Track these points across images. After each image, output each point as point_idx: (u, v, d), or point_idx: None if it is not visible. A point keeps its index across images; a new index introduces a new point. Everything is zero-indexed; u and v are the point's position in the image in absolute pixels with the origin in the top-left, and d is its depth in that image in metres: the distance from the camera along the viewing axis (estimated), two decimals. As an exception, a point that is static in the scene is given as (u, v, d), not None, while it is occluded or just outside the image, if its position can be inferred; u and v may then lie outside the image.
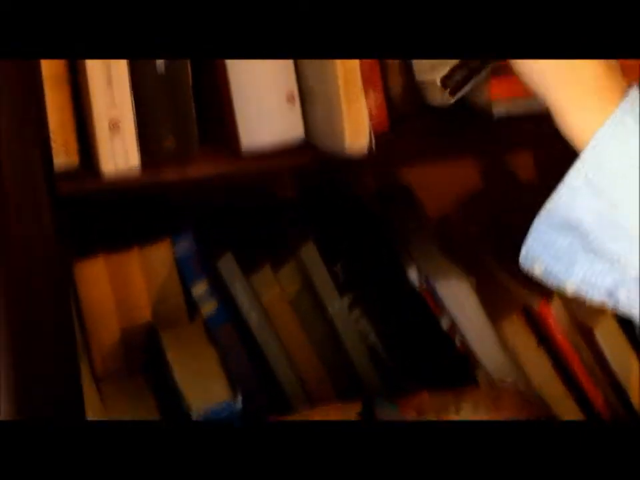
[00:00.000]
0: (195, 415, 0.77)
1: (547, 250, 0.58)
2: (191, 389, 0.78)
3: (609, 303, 0.58)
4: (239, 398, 0.76)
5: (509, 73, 0.80)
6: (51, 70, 0.67)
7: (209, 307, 0.89)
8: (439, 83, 0.79)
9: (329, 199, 0.93)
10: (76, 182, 0.69)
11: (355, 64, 0.71)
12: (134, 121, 0.68)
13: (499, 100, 0.81)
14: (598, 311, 0.95)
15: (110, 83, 0.67)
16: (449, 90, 0.78)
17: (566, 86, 0.60)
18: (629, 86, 0.59)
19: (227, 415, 0.77)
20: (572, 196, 0.56)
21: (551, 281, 0.59)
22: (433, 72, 0.79)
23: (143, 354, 0.87)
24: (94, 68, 0.66)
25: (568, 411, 0.90)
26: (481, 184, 1.01)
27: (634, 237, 0.55)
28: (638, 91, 0.58)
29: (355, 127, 0.72)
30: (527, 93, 0.81)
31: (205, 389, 0.78)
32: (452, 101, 0.79)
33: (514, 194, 1.02)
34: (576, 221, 0.57)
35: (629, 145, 0.56)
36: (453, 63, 0.79)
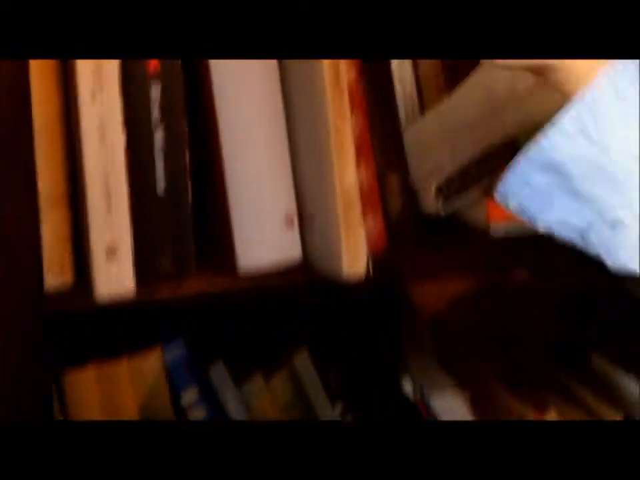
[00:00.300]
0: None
1: (524, 187, 0.59)
2: None
3: (579, 243, 0.59)
4: None
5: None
6: (50, 190, 0.67)
7: (198, 415, 0.88)
8: (434, 192, 0.79)
9: (322, 304, 0.92)
10: (68, 301, 0.68)
11: (354, 189, 0.71)
12: (131, 244, 0.67)
13: (497, 222, 0.81)
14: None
15: (109, 209, 0.66)
16: (442, 199, 0.78)
17: None
18: None
19: None
20: (562, 139, 0.58)
21: (524, 217, 0.60)
22: (428, 180, 0.80)
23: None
24: (94, 191, 0.66)
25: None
26: (477, 292, 1.00)
27: (618, 182, 0.57)
28: None
29: (353, 253, 0.71)
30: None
31: None
32: (446, 210, 0.79)
33: (510, 303, 1.02)
34: (559, 162, 0.58)
35: (625, 93, 0.57)
36: (449, 171, 0.79)
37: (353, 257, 0.71)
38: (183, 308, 0.85)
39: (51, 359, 0.70)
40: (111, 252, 0.66)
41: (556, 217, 0.60)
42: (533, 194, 0.60)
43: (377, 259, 0.73)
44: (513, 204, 0.60)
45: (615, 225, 0.58)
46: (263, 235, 0.72)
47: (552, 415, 0.93)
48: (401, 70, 0.83)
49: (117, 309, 0.73)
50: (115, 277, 0.67)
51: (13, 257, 0.64)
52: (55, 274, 0.66)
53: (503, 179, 0.60)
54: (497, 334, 0.99)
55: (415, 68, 0.87)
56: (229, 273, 0.73)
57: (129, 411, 0.86)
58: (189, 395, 0.88)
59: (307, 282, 0.75)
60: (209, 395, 0.88)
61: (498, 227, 0.81)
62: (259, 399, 0.89)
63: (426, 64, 0.89)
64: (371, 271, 0.72)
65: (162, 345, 0.87)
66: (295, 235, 0.74)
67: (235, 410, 0.88)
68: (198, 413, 0.88)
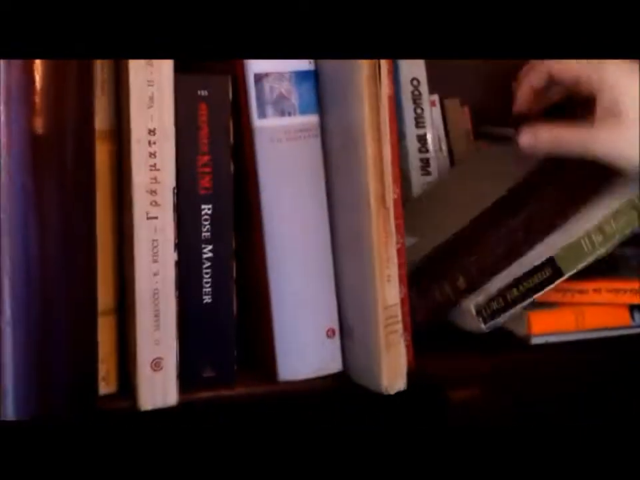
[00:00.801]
0: None
1: None
2: None
3: None
4: None
5: (547, 307, 0.82)
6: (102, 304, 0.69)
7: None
8: (473, 311, 0.80)
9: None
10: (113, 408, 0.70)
11: (396, 307, 0.73)
12: (176, 358, 0.70)
13: (538, 333, 0.82)
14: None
15: (158, 326, 0.68)
16: (482, 319, 0.80)
17: None
18: None
19: None
20: None
21: None
22: (468, 299, 0.81)
23: None
24: (144, 308, 0.68)
25: None
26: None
27: None
28: None
29: (393, 369, 0.72)
30: (566, 326, 0.82)
31: None
32: (484, 330, 0.80)
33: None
34: None
35: None
36: (489, 292, 0.80)
37: (393, 373, 0.72)
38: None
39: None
40: (157, 366, 0.69)
41: None
42: None
43: (413, 372, 0.75)
44: None
45: None
46: (304, 346, 0.74)
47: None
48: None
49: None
50: (159, 390, 0.69)
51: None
52: (101, 383, 0.69)
53: None
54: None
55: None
56: (269, 382, 0.74)
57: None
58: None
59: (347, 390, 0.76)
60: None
61: (539, 336, 0.82)
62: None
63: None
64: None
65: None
66: (335, 347, 0.75)
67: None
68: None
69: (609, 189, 0.81)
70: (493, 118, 1.03)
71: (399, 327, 0.72)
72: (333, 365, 0.75)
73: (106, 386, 0.69)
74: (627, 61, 0.69)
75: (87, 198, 0.66)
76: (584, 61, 0.69)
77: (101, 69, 0.69)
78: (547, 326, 0.82)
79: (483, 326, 0.79)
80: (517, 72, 0.84)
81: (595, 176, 0.80)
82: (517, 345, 0.84)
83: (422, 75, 1.01)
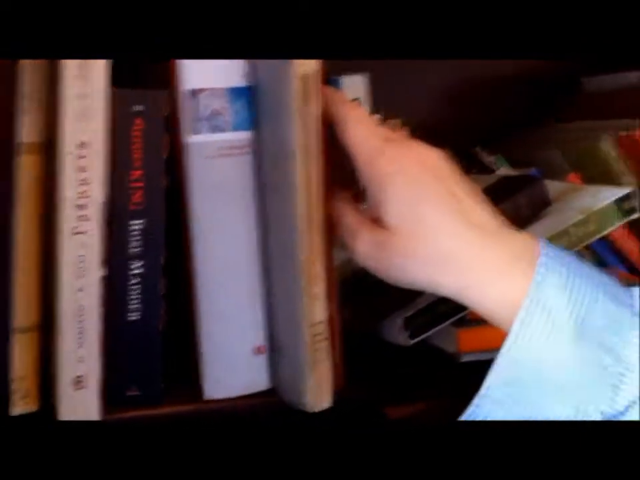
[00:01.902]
0: None
1: None
2: None
3: None
4: None
5: (477, 324, 0.83)
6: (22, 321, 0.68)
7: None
8: (401, 325, 0.80)
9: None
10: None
11: (323, 325, 0.73)
12: (100, 376, 0.69)
13: (468, 351, 0.83)
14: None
15: (82, 344, 0.68)
16: (409, 332, 0.80)
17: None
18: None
19: None
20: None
21: None
22: (397, 313, 0.81)
23: None
24: (67, 325, 0.67)
25: None
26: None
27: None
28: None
29: (318, 386, 0.72)
30: (497, 343, 0.83)
31: None
32: (410, 343, 0.80)
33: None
34: None
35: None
36: (418, 305, 0.80)
37: (318, 392, 0.72)
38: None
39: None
40: (78, 382, 0.68)
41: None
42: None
43: (340, 391, 0.75)
44: None
45: None
46: (232, 364, 0.74)
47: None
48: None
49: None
50: (80, 405, 0.68)
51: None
52: (20, 402, 0.68)
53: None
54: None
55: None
56: (196, 400, 0.74)
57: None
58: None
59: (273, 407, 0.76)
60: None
61: (469, 354, 0.83)
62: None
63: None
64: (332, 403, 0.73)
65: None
66: (263, 365, 0.75)
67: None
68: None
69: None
70: (439, 138, 1.04)
71: (325, 344, 0.72)
72: (261, 382, 0.75)
73: (26, 404, 0.68)
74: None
75: (5, 212, 0.65)
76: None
77: (30, 80, 0.68)
78: (477, 343, 0.82)
79: (409, 340, 0.79)
80: (465, 92, 0.83)
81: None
82: (447, 362, 0.84)
83: (363, 94, 1.01)
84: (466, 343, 0.82)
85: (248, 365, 0.74)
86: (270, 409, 0.78)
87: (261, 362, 0.75)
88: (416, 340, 0.80)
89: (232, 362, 0.74)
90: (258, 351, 0.75)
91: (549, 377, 0.58)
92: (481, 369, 0.83)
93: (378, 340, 0.85)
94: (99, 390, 0.69)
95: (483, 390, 0.60)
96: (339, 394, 0.75)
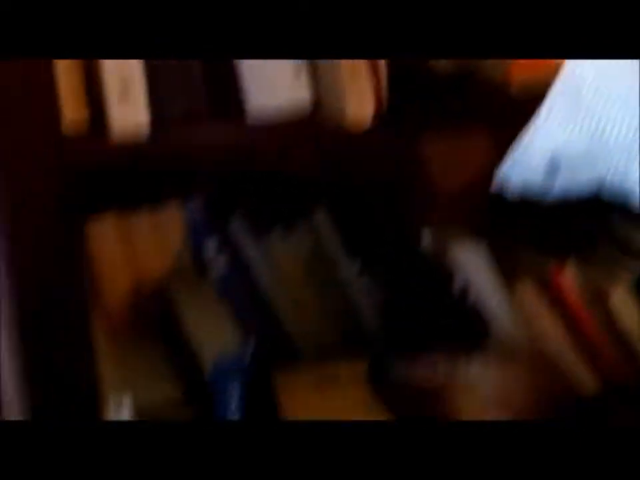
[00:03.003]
0: (205, 364, 0.78)
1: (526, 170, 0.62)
2: (201, 339, 0.79)
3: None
4: (250, 347, 0.77)
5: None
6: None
7: (219, 268, 0.90)
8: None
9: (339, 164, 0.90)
10: (85, 143, 0.69)
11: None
12: (144, 87, 0.68)
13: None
14: (613, 275, 0.93)
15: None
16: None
17: None
18: None
19: (236, 364, 0.78)
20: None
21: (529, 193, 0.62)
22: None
23: (155, 312, 0.89)
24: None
25: (581, 375, 0.89)
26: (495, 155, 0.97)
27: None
28: None
29: (358, 99, 0.71)
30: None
31: (215, 338, 0.79)
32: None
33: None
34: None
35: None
36: None
37: (358, 103, 0.71)
38: (202, 161, 0.85)
39: (72, 209, 0.71)
40: (124, 93, 0.66)
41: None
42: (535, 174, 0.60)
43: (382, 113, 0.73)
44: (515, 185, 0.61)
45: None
46: (272, 82, 0.72)
47: (571, 268, 0.92)
48: None
49: (134, 156, 0.73)
50: (129, 115, 0.68)
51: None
52: (71, 109, 0.66)
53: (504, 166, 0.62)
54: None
55: None
56: (239, 118, 0.73)
57: (151, 263, 0.88)
58: (210, 249, 0.89)
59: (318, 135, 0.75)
60: (230, 249, 0.89)
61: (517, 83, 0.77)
62: (279, 253, 0.90)
63: None
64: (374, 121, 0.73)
65: (182, 198, 0.87)
66: (303, 83, 0.73)
67: (256, 263, 0.89)
68: (219, 267, 0.90)
69: None
70: None
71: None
72: (301, 101, 0.73)
73: (77, 111, 0.68)
74: None
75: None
76: None
77: None
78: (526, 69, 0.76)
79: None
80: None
81: None
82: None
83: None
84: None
85: (288, 82, 0.73)
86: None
87: (302, 81, 0.74)
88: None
89: (273, 79, 0.73)
90: (298, 68, 0.73)
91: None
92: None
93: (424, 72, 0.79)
94: (143, 101, 0.67)
95: (544, 110, 0.56)
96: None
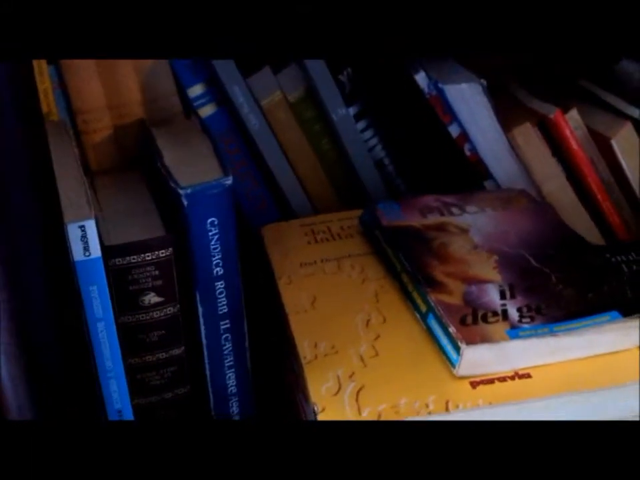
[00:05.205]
0: (183, 193, 0.73)
1: None
2: (181, 170, 0.75)
3: None
4: (230, 177, 0.73)
5: None
6: None
7: (205, 110, 0.86)
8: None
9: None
10: None
11: None
12: None
13: None
14: (616, 121, 0.91)
15: None
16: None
17: None
18: None
19: (217, 192, 0.73)
20: None
21: None
22: None
23: (136, 148, 0.84)
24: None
25: (579, 220, 0.88)
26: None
27: None
28: None
29: None
30: None
31: (195, 170, 0.75)
32: None
33: None
34: None
35: None
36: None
37: None
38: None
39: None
40: None
41: None
42: None
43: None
44: None
45: None
46: None
47: (573, 113, 0.89)
48: None
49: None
50: None
51: None
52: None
53: None
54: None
55: None
56: None
57: (133, 99, 0.84)
58: (195, 89, 0.85)
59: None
60: (216, 89, 0.85)
61: None
62: (268, 95, 0.86)
63: None
64: None
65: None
66: None
67: (244, 105, 0.85)
68: (206, 107, 0.86)
69: None
70: None
71: None
72: None
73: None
74: None
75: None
76: None
77: None
78: None
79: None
80: None
81: None
82: None
83: None
84: None
85: None
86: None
87: None
88: None
89: None
90: None
91: None
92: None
93: None
94: None
95: None
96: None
